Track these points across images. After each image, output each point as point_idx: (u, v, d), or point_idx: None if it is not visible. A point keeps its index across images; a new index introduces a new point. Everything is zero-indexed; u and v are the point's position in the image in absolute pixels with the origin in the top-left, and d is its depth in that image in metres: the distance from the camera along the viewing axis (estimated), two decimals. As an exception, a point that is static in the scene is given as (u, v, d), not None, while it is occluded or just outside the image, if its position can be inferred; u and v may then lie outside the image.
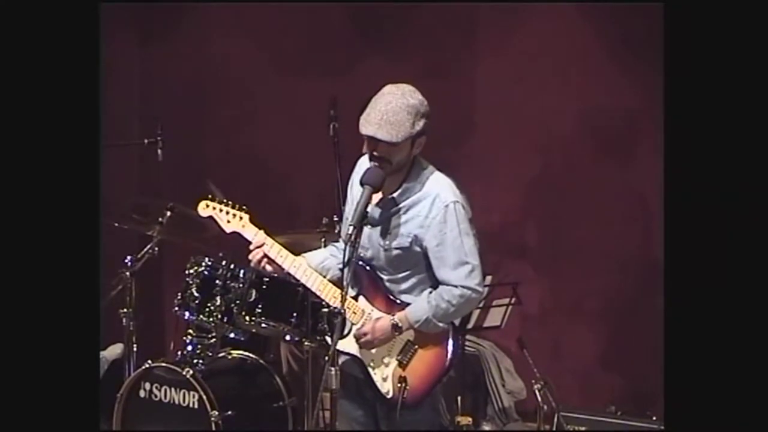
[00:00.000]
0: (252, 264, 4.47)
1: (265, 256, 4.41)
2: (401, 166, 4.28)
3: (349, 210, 4.41)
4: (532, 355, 5.86)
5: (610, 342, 6.62)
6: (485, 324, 5.98)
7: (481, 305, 5.80)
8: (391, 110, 4.18)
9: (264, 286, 5.67)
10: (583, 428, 5.75)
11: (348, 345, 4.38)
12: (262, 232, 4.45)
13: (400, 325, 4.31)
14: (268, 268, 4.45)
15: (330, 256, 4.52)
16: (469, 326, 5.84)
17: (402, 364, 4.33)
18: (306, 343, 5.57)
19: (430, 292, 4.31)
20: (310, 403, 5.58)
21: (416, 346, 4.34)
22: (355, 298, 4.38)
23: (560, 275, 6.81)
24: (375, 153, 4.23)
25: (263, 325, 5.68)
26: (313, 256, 4.51)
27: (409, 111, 4.19)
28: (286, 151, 7.07)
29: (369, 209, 4.27)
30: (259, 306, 5.65)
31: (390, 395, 4.32)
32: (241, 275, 5.78)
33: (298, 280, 4.44)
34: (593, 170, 6.71)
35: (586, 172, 6.73)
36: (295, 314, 5.61)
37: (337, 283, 4.37)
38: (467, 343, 5.99)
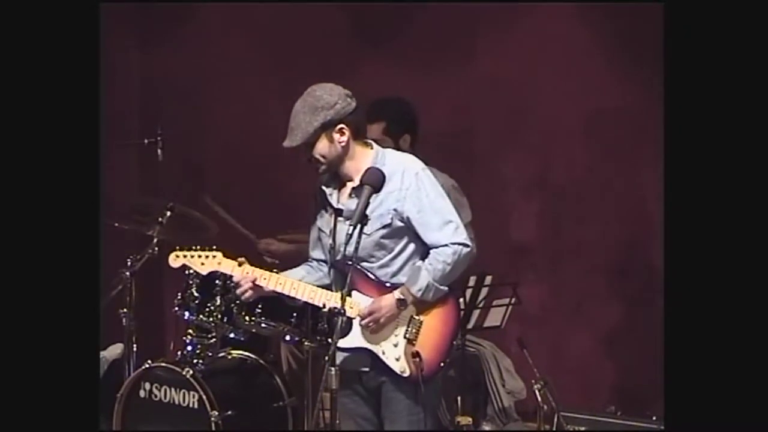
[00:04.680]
0: (244, 299, 4.57)
1: (254, 286, 4.46)
2: (339, 159, 4.38)
3: (319, 225, 4.52)
4: (532, 355, 5.85)
5: (610, 342, 6.62)
6: (485, 324, 5.97)
7: (481, 305, 5.79)
8: (293, 117, 4.40)
9: (264, 286, 5.67)
10: (583, 428, 5.74)
11: (353, 340, 4.40)
12: (240, 261, 4.50)
13: (403, 298, 4.35)
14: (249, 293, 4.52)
15: (306, 274, 4.58)
16: (469, 326, 5.83)
17: (411, 341, 4.37)
18: (306, 343, 5.57)
19: (425, 261, 4.38)
20: (310, 403, 5.58)
21: (420, 319, 4.38)
22: (349, 294, 4.39)
23: (560, 275, 6.81)
24: (303, 158, 4.40)
25: (263, 325, 5.68)
26: (289, 274, 4.54)
27: (305, 111, 4.36)
28: (286, 151, 7.04)
29: (342, 205, 4.41)
30: (259, 306, 5.65)
31: (407, 374, 4.35)
32: (241, 275, 5.78)
33: (288, 296, 4.49)
34: (593, 170, 6.70)
35: (586, 171, 6.73)
36: (295, 314, 5.61)
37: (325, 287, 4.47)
38: (467, 343, 5.98)
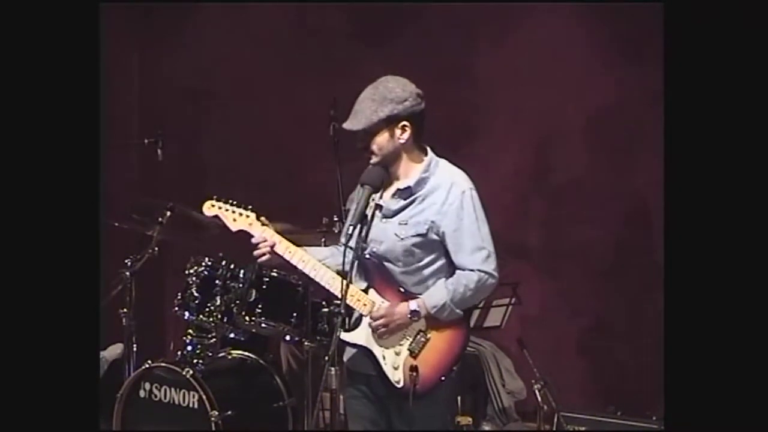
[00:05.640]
0: (260, 261, 4.49)
1: (272, 251, 4.42)
2: (394, 155, 4.33)
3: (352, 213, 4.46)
4: (532, 355, 5.85)
5: (611, 342, 6.62)
6: (485, 324, 5.98)
7: (481, 305, 5.79)
8: (360, 101, 4.31)
9: (264, 286, 5.68)
10: (583, 428, 5.74)
11: (358, 336, 4.37)
12: (269, 229, 4.47)
13: (417, 310, 4.32)
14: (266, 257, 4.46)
15: (330, 255, 4.53)
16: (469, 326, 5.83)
17: (413, 354, 4.34)
18: (306, 343, 5.57)
19: (449, 279, 4.34)
20: (310, 403, 5.58)
21: (428, 336, 4.36)
22: (365, 290, 4.39)
23: (560, 275, 6.81)
24: (358, 144, 4.34)
25: (263, 325, 5.68)
26: (314, 252, 4.52)
27: (374, 98, 4.28)
28: (286, 151, 7.08)
29: (383, 201, 4.35)
30: (259, 306, 5.66)
31: (401, 384, 4.33)
32: (241, 275, 5.78)
33: (307, 276, 4.44)
34: (593, 170, 6.71)
35: (586, 172, 6.73)
36: (295, 314, 5.61)
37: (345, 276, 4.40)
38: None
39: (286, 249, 4.42)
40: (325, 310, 5.57)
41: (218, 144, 7.37)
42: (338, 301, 4.30)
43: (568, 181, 6.78)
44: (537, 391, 5.77)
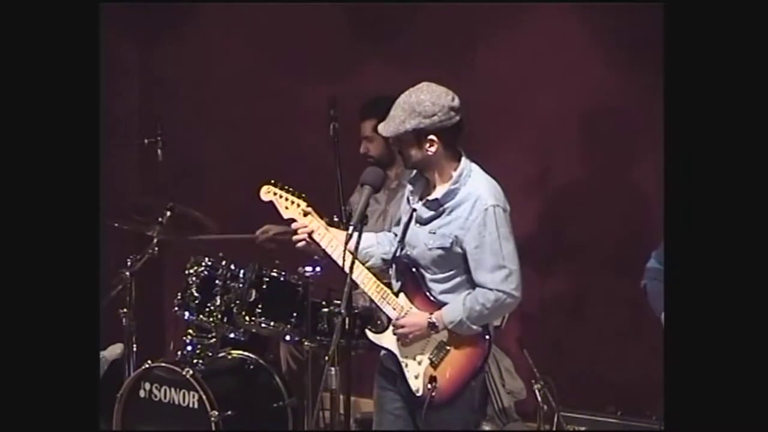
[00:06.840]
0: (297, 246, 4.52)
1: (310, 238, 4.45)
2: (423, 165, 4.36)
3: (402, 212, 4.53)
4: (532, 355, 5.85)
5: (610, 342, 6.61)
6: (485, 324, 5.96)
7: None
8: (395, 106, 4.31)
9: (264, 286, 5.68)
10: (583, 428, 5.74)
11: (384, 339, 4.43)
12: (316, 221, 4.49)
13: (436, 323, 4.35)
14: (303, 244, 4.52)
15: (377, 243, 4.55)
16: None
17: (433, 364, 4.37)
18: (306, 343, 5.56)
19: (468, 294, 4.34)
20: (310, 403, 5.58)
21: (449, 348, 4.38)
22: (397, 294, 4.42)
23: (560, 275, 6.80)
24: (395, 147, 4.43)
25: (263, 325, 5.68)
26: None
27: (404, 108, 4.27)
28: (286, 152, 7.07)
29: (418, 207, 4.35)
30: (259, 306, 5.65)
31: (419, 393, 4.36)
32: (241, 275, 5.78)
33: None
34: (593, 170, 6.70)
35: (585, 171, 6.72)
36: (295, 314, 5.61)
37: (379, 275, 4.44)
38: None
39: (329, 242, 4.45)
40: (325, 310, 5.57)
41: (218, 144, 7.36)
42: (338, 301, 4.33)
43: (568, 181, 6.77)
44: (537, 391, 5.77)
